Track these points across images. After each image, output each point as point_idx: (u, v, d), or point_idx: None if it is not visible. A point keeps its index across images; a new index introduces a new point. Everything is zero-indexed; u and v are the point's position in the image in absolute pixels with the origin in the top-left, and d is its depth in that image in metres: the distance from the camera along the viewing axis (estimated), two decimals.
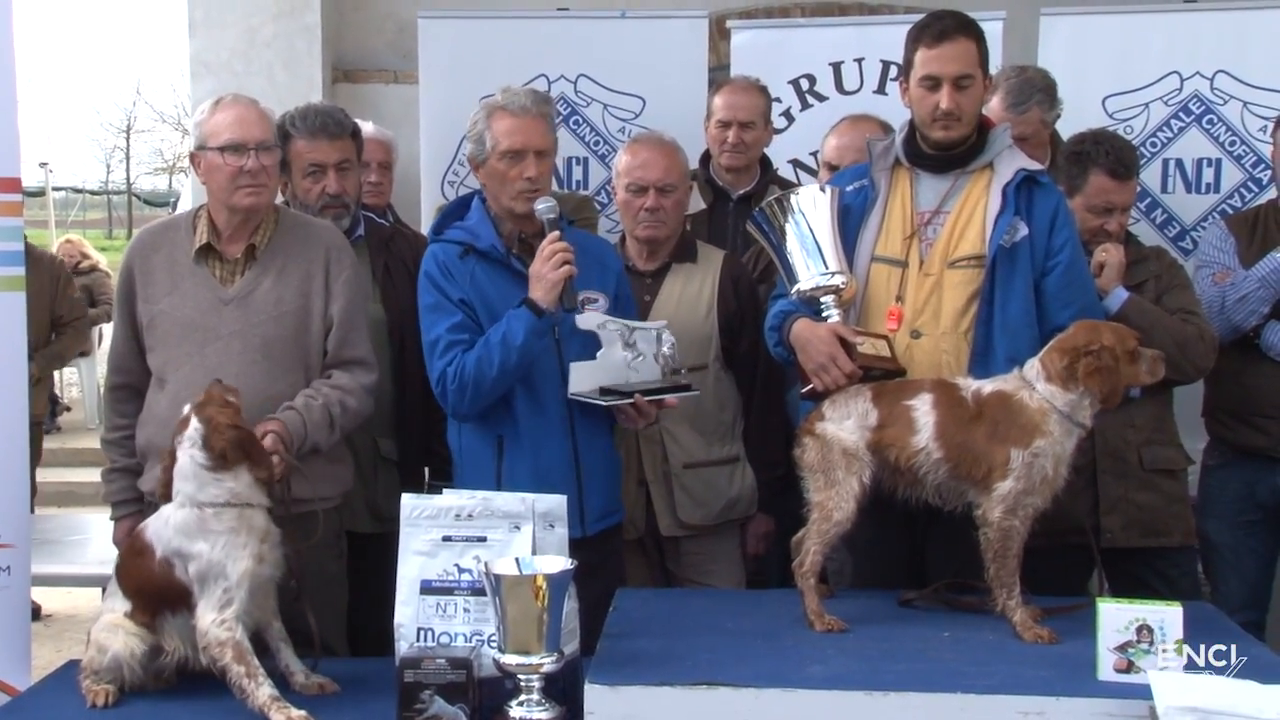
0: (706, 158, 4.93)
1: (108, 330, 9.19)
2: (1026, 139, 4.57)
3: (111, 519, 3.82)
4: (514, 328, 3.51)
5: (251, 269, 3.64)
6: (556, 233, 3.57)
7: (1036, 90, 4.66)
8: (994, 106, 4.49)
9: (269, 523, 3.12)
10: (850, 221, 3.58)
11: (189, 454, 3.08)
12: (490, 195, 3.70)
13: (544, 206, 3.59)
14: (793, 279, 3.53)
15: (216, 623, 2.98)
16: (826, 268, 3.47)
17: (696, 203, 4.78)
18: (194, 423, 3.09)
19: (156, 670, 3.11)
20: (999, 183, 3.51)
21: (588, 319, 3.58)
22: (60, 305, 7.37)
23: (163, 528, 3.08)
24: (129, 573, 3.15)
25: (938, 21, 3.51)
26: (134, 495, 3.74)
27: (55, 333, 7.34)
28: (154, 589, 3.08)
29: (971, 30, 3.51)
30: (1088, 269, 3.73)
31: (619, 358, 3.59)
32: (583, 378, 3.56)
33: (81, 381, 13.19)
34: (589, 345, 3.62)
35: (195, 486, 3.06)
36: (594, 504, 3.65)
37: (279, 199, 3.97)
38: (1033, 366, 3.23)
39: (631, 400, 3.56)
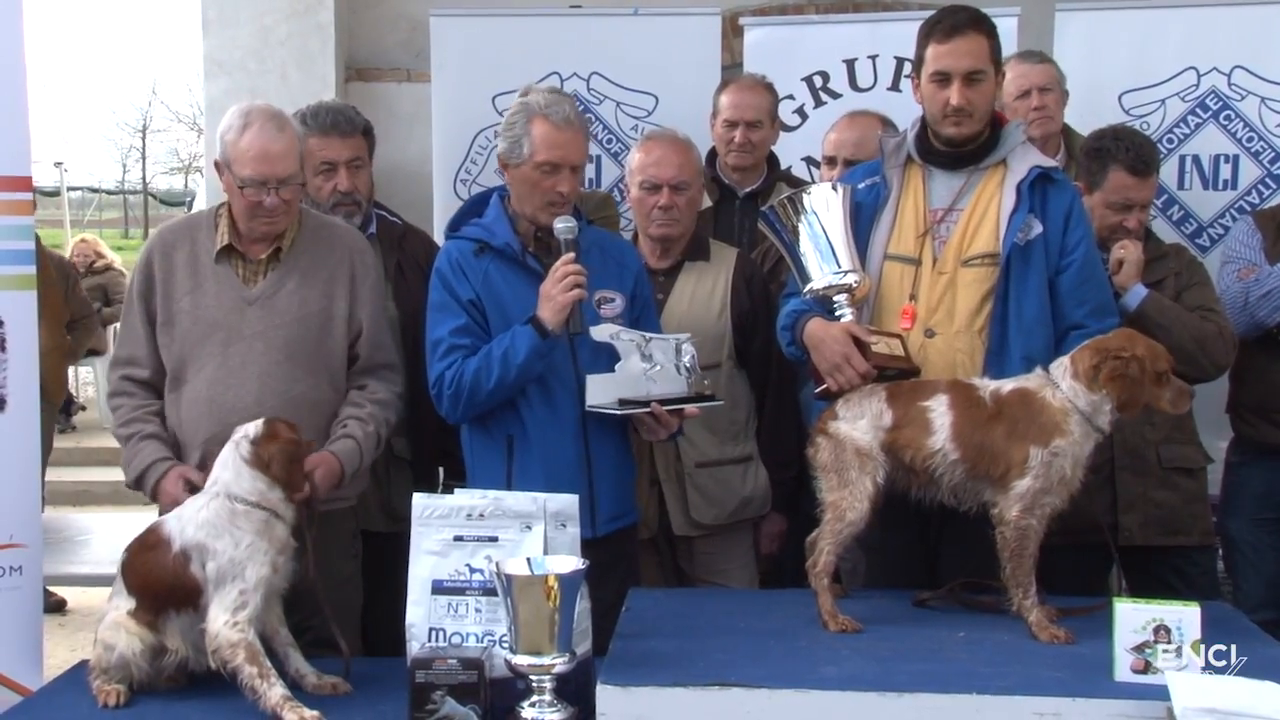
0: (713, 155, 4.90)
1: None
2: (1049, 89, 4.62)
3: (150, 488, 3.55)
4: (517, 346, 3.50)
5: (275, 270, 3.63)
6: (571, 254, 3.54)
7: (1048, 57, 4.74)
8: (1010, 65, 4.51)
9: (289, 536, 3.14)
10: (862, 219, 3.56)
11: (237, 443, 3.14)
12: (515, 197, 3.67)
13: (563, 226, 3.56)
14: (805, 278, 3.51)
15: (229, 624, 2.98)
16: (839, 266, 3.45)
17: (702, 200, 4.78)
18: (257, 424, 3.16)
19: (161, 669, 3.11)
20: (1013, 180, 3.49)
21: (600, 330, 3.55)
22: (72, 303, 7.47)
23: (185, 522, 3.10)
24: (138, 567, 3.14)
25: (949, 17, 3.49)
26: (169, 454, 3.56)
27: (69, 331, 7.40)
28: (164, 585, 3.08)
29: (983, 25, 3.49)
30: (1102, 267, 3.71)
31: (636, 369, 3.56)
32: (600, 390, 3.54)
33: (96, 380, 13.21)
34: (603, 347, 3.60)
35: (233, 476, 3.11)
36: (605, 505, 3.63)
37: None
38: (1061, 363, 3.21)
39: (648, 409, 3.54)
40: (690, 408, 3.63)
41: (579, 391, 3.57)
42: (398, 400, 3.72)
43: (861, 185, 3.61)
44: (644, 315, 3.78)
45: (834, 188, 3.59)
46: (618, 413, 3.54)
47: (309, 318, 3.62)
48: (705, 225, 4.62)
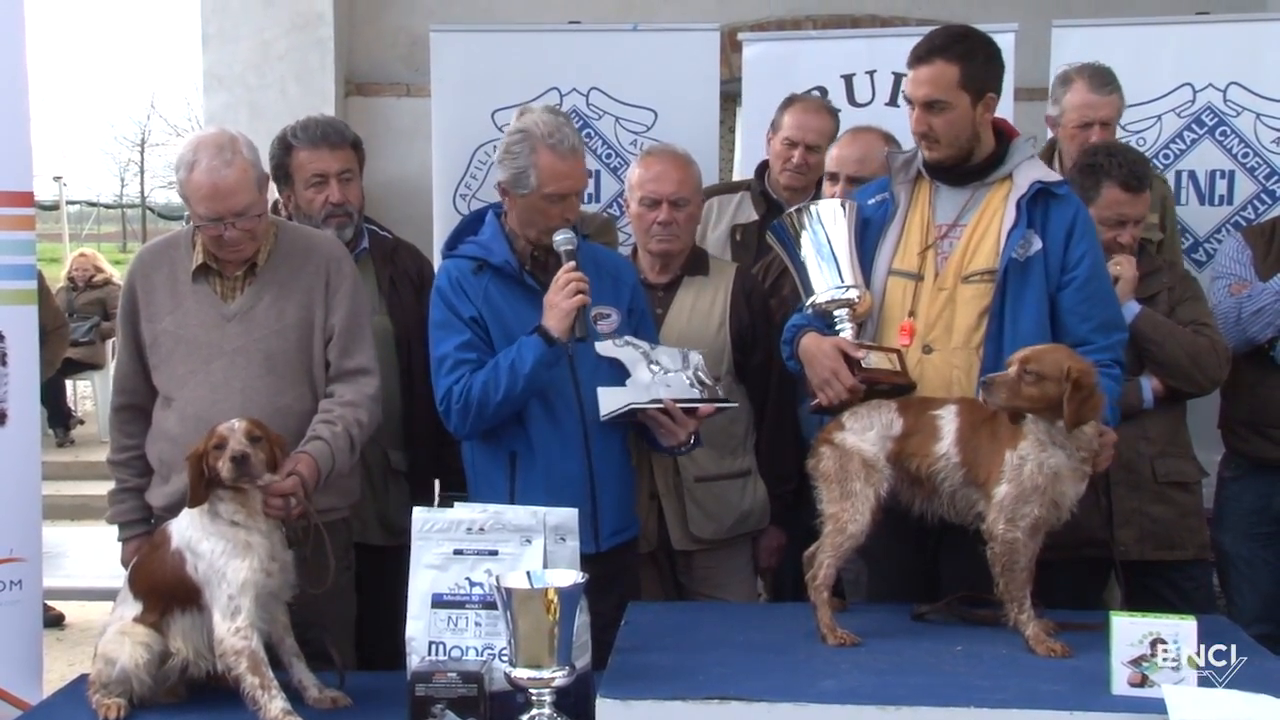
0: (763, 168, 4.90)
1: None
2: (1109, 124, 4.59)
3: (119, 540, 3.78)
4: (524, 355, 3.50)
5: (252, 285, 3.64)
6: (572, 263, 3.55)
7: (1116, 79, 4.68)
8: (1078, 88, 4.58)
9: (273, 544, 3.15)
10: (870, 235, 3.56)
11: None
12: (519, 223, 3.67)
13: (562, 238, 3.58)
14: (808, 292, 3.52)
15: (231, 631, 3.01)
16: (841, 281, 3.47)
17: (748, 213, 4.80)
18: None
19: (163, 677, 3.12)
20: (1015, 195, 3.47)
21: (605, 347, 3.57)
22: (44, 315, 7.44)
23: (181, 521, 3.16)
24: (144, 567, 3.20)
25: (923, 42, 3.48)
26: (142, 515, 3.73)
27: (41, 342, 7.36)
28: (165, 583, 3.12)
29: (953, 51, 3.42)
30: (1109, 281, 3.69)
31: (645, 377, 3.58)
32: (612, 400, 3.56)
33: (95, 395, 13.21)
34: (604, 362, 3.61)
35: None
36: (608, 519, 3.64)
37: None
38: None
39: (661, 405, 3.55)
40: (704, 407, 3.64)
41: (580, 407, 3.59)
42: (370, 402, 3.65)
43: (870, 201, 3.61)
44: (641, 328, 3.79)
45: (842, 204, 3.61)
46: (634, 405, 3.54)
47: (287, 330, 3.62)
48: (749, 237, 4.62)
